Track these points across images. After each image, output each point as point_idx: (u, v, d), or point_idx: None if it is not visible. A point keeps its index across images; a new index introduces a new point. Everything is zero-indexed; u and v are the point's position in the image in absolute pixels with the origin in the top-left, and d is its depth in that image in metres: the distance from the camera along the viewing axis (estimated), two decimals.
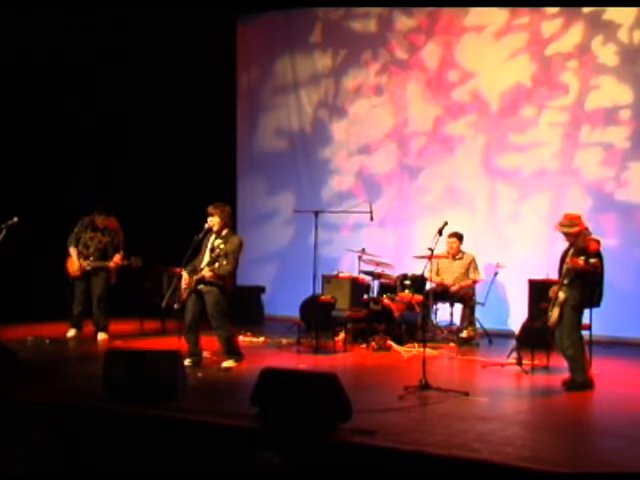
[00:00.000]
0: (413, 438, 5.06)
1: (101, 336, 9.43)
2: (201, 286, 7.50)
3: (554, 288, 6.97)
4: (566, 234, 6.99)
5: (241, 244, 7.60)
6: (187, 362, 7.28)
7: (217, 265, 7.35)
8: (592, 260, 6.70)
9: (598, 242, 6.92)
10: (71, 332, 9.50)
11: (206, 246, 7.64)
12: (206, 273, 7.40)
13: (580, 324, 6.99)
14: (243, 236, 7.94)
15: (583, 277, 6.78)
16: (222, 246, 7.41)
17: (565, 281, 6.85)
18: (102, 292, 9.40)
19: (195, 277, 7.47)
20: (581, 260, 6.68)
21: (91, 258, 9.35)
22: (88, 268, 9.34)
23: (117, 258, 9.34)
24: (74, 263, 9.38)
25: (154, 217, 11.52)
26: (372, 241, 10.54)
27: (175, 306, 7.64)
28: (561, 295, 6.84)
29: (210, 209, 7.60)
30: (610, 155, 10.04)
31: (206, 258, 7.55)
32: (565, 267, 6.90)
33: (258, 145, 12.40)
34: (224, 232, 7.60)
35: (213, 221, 7.56)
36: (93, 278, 9.40)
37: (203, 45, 11.39)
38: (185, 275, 7.57)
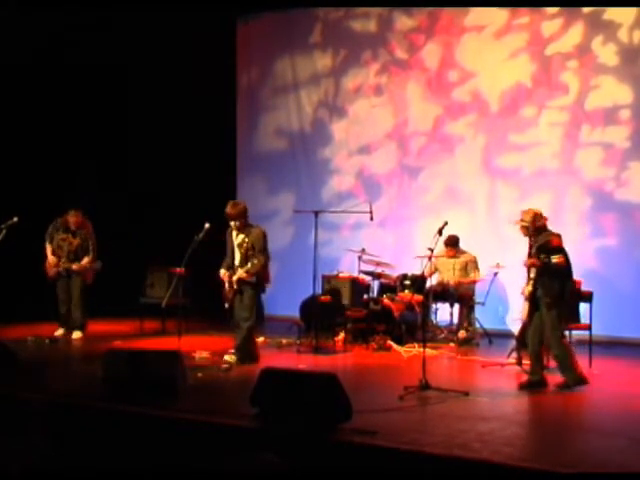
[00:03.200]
0: (413, 438, 5.06)
1: (76, 335, 9.51)
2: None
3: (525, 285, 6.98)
4: (521, 227, 6.94)
5: (264, 234, 7.74)
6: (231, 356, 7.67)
7: (249, 265, 7.57)
8: (554, 259, 6.66)
9: (559, 237, 6.86)
10: (59, 331, 9.57)
11: (230, 244, 7.78)
12: (242, 275, 7.61)
13: (560, 322, 6.88)
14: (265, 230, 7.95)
15: (549, 273, 6.72)
16: (247, 240, 7.58)
17: (531, 275, 6.83)
18: (79, 291, 9.50)
19: (234, 278, 7.65)
20: (542, 258, 6.65)
21: (63, 259, 9.45)
22: (60, 269, 9.46)
23: (85, 261, 9.47)
24: (50, 262, 9.49)
25: (154, 217, 11.53)
26: (372, 241, 10.55)
27: (225, 305, 7.78)
28: (527, 289, 6.84)
29: (230, 210, 7.62)
30: (610, 155, 10.04)
31: (237, 255, 7.70)
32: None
33: (258, 145, 12.40)
34: (245, 227, 7.70)
35: (236, 223, 7.65)
36: (72, 278, 9.51)
37: (203, 45, 11.38)
38: (224, 272, 7.72)
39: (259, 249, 7.62)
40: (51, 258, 9.49)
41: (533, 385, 6.84)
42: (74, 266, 9.42)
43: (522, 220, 6.92)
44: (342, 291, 9.90)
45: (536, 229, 6.88)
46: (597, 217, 9.96)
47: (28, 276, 10.04)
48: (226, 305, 7.79)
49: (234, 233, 7.73)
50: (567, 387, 6.77)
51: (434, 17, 11.09)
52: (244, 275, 7.61)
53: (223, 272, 7.74)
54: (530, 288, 6.81)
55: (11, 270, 10.09)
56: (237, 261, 7.71)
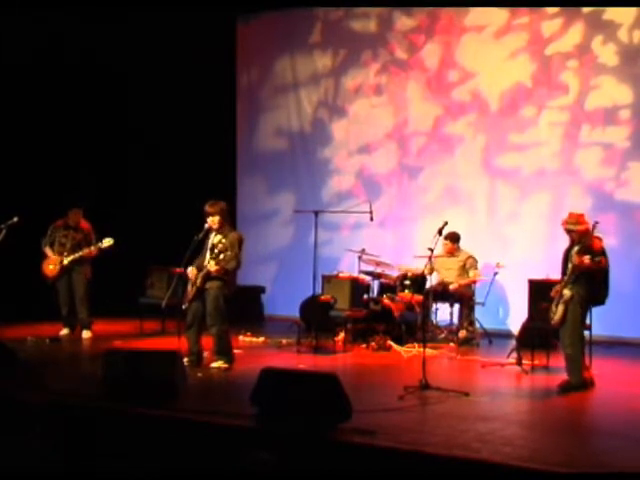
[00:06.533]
0: (413, 438, 5.05)
1: (86, 334, 9.55)
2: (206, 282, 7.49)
3: (557, 287, 6.94)
4: (571, 231, 6.93)
5: (241, 239, 7.60)
6: (185, 361, 7.27)
7: (222, 257, 7.33)
8: (597, 258, 6.69)
9: (600, 240, 6.90)
10: (64, 331, 9.61)
11: (207, 245, 7.64)
12: (211, 267, 7.36)
13: (584, 323, 6.95)
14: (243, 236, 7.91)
15: (589, 275, 6.75)
16: (223, 241, 7.43)
17: (570, 279, 6.80)
18: (84, 290, 9.51)
19: (201, 273, 7.44)
20: (587, 259, 6.65)
21: (65, 254, 9.45)
22: (66, 262, 9.42)
23: (92, 248, 9.43)
24: (51, 261, 9.48)
25: (154, 217, 11.52)
26: (372, 241, 10.56)
27: (183, 306, 7.60)
28: (566, 292, 6.78)
29: (208, 208, 7.57)
30: (610, 155, 10.05)
31: (208, 255, 7.52)
32: (570, 265, 6.84)
33: (258, 145, 12.41)
34: (223, 228, 7.61)
35: (213, 220, 7.56)
36: (73, 277, 9.50)
37: (203, 45, 11.39)
38: (192, 269, 7.52)
39: (233, 253, 7.43)
40: (53, 257, 9.47)
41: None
42: (86, 251, 9.35)
43: (581, 223, 6.89)
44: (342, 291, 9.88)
45: (581, 232, 6.87)
46: (597, 217, 9.81)
47: (28, 276, 10.05)
48: (184, 306, 7.57)
49: (212, 234, 7.62)
50: (570, 388, 6.75)
51: (434, 17, 11.09)
52: (213, 268, 7.33)
53: (191, 269, 7.52)
54: (569, 291, 6.76)
55: (11, 270, 10.08)
56: (206, 261, 7.47)
